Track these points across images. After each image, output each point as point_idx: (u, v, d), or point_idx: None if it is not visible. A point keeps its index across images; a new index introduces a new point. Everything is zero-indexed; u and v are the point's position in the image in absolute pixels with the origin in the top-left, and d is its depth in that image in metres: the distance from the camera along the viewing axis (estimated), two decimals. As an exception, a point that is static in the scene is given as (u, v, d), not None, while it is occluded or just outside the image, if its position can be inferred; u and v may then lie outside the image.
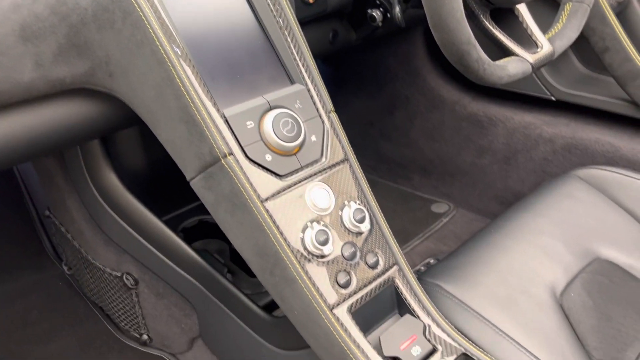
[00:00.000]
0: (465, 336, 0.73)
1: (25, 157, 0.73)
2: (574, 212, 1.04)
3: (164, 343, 1.06)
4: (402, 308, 0.73)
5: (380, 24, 1.05)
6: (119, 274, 1.03)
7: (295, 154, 0.71)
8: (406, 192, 1.58)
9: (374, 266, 0.72)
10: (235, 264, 1.12)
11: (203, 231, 1.19)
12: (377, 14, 1.03)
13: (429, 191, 1.56)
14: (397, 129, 1.55)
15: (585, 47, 1.21)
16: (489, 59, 0.81)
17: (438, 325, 0.71)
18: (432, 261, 1.34)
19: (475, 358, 0.68)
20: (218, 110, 0.66)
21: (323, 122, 0.75)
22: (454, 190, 1.51)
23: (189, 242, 0.99)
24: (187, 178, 0.71)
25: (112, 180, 0.98)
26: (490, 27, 0.86)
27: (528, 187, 1.35)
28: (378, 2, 1.05)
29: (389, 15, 1.03)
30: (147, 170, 1.15)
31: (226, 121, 0.67)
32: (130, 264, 1.04)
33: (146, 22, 0.64)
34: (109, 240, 1.05)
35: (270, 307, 0.87)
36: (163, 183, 1.18)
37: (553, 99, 1.31)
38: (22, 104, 0.67)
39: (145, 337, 1.06)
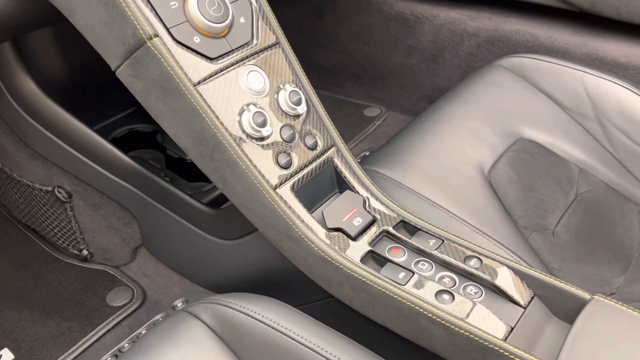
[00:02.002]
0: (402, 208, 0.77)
1: None
2: (498, 97, 1.09)
3: (106, 256, 1.04)
4: (342, 186, 0.75)
5: None
6: (49, 189, 0.99)
7: (224, 36, 0.69)
8: (339, 99, 1.59)
9: (313, 147, 0.73)
10: (172, 172, 1.10)
11: (134, 141, 1.15)
12: None
13: (361, 97, 1.58)
14: (326, 34, 1.53)
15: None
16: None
17: (376, 198, 0.74)
18: (367, 153, 1.38)
19: (413, 223, 0.71)
20: (138, -11, 0.63)
21: (250, 3, 0.72)
22: (385, 94, 1.53)
23: (120, 153, 0.96)
24: (112, 67, 0.68)
25: (30, 87, 0.92)
26: None
27: (455, 83, 1.39)
28: None
29: None
30: (67, 77, 1.07)
31: (148, 1, 0.63)
32: (60, 176, 0.99)
33: None
34: (34, 153, 0.99)
35: (212, 205, 0.87)
36: (87, 91, 1.12)
37: (475, -8, 1.34)
38: None
39: (85, 252, 1.03)
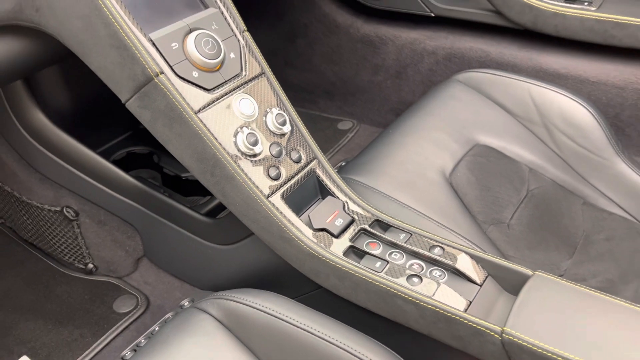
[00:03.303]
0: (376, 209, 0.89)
1: None
2: (456, 109, 1.21)
3: (110, 268, 1.14)
4: (324, 192, 0.87)
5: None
6: (58, 209, 1.08)
7: (218, 70, 0.81)
8: (314, 115, 1.72)
9: (297, 161, 0.85)
10: (169, 188, 1.21)
11: (133, 162, 1.25)
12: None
13: (334, 112, 1.70)
14: (300, 56, 1.66)
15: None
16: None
17: (354, 202, 0.86)
18: (343, 163, 1.51)
19: (386, 222, 0.84)
20: (145, 35, 0.74)
21: (238, 40, 0.84)
22: (355, 109, 1.67)
23: (120, 173, 1.06)
24: (122, 100, 0.79)
25: (41, 119, 1.02)
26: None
27: (418, 96, 1.53)
28: None
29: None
30: (72, 107, 1.18)
31: (153, 44, 0.75)
32: (68, 197, 1.09)
33: None
34: (44, 178, 1.09)
35: (209, 215, 0.98)
36: (89, 119, 1.22)
37: (432, 15, 1.47)
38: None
39: (90, 265, 1.13)
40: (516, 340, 0.64)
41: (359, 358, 0.68)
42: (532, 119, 1.20)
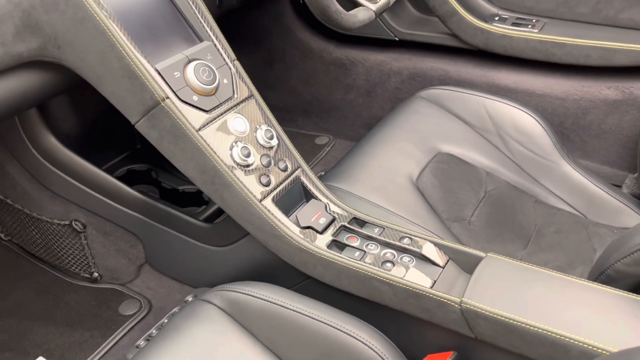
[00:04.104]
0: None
1: None
2: (420, 122, 1.33)
3: (114, 276, 1.24)
4: (308, 196, 1.00)
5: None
6: (67, 222, 1.19)
7: (214, 94, 0.94)
8: (293, 132, 1.85)
9: (284, 170, 0.98)
10: (167, 201, 1.33)
11: (132, 179, 1.37)
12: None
13: (311, 128, 1.84)
14: (278, 79, 1.80)
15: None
16: (344, 10, 1.09)
17: (334, 203, 1.00)
18: (322, 173, 1.65)
19: (362, 219, 0.97)
20: (152, 66, 0.87)
21: (230, 68, 0.98)
22: (331, 125, 1.81)
23: (122, 189, 1.18)
24: (132, 122, 0.91)
25: (52, 141, 1.13)
26: (342, -14, 1.14)
27: (386, 112, 1.67)
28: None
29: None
30: (78, 130, 1.29)
31: (159, 73, 0.88)
32: (77, 211, 1.20)
33: (85, 3, 0.83)
34: (54, 195, 1.19)
35: (207, 221, 1.10)
36: (92, 140, 1.34)
37: (397, 39, 1.63)
38: (-11, 77, 0.82)
39: (95, 274, 1.23)
40: (472, 308, 0.78)
41: (345, 332, 0.81)
42: (487, 129, 1.32)
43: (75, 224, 1.19)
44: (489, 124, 1.33)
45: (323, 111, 1.80)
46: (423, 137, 1.30)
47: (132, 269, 1.24)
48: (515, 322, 0.74)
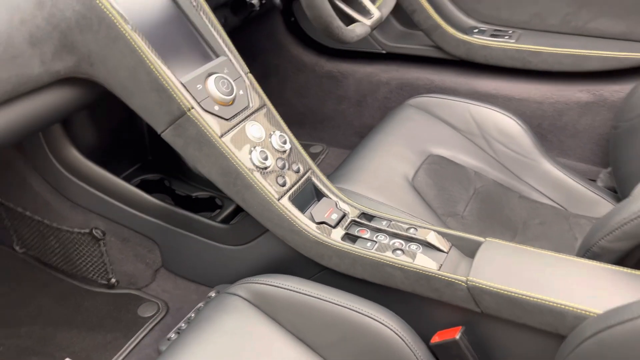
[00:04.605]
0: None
1: (28, 133, 0.95)
2: (411, 128, 1.43)
3: (131, 281, 1.30)
4: (319, 195, 1.09)
5: (257, 8, 1.39)
6: (87, 231, 1.25)
7: (232, 104, 1.03)
8: (288, 142, 1.95)
9: (297, 171, 1.07)
10: (180, 207, 1.40)
11: (147, 188, 1.43)
12: (255, 0, 1.37)
13: (306, 138, 1.92)
14: (273, 92, 1.88)
15: (401, 11, 1.65)
16: (344, 25, 1.19)
17: (343, 201, 1.09)
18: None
19: (370, 214, 1.07)
20: (177, 79, 0.96)
21: (244, 80, 1.07)
22: (324, 134, 1.90)
23: (137, 197, 1.25)
24: (159, 131, 0.99)
25: (75, 154, 1.20)
26: (341, 5, 1.24)
27: (377, 120, 1.77)
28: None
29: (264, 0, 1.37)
30: (97, 143, 1.36)
31: (184, 86, 0.96)
32: (97, 220, 1.26)
33: (117, 24, 0.91)
34: (74, 205, 1.25)
35: (223, 222, 1.18)
36: (109, 152, 1.40)
37: (384, 52, 1.74)
38: (30, 93, 0.89)
39: (113, 280, 1.29)
40: (478, 285, 0.87)
41: (364, 315, 0.89)
42: (473, 132, 1.42)
43: (96, 232, 1.25)
44: (474, 127, 1.44)
45: (316, 121, 1.90)
46: (415, 141, 1.39)
47: (148, 273, 1.30)
48: (516, 295, 0.83)
